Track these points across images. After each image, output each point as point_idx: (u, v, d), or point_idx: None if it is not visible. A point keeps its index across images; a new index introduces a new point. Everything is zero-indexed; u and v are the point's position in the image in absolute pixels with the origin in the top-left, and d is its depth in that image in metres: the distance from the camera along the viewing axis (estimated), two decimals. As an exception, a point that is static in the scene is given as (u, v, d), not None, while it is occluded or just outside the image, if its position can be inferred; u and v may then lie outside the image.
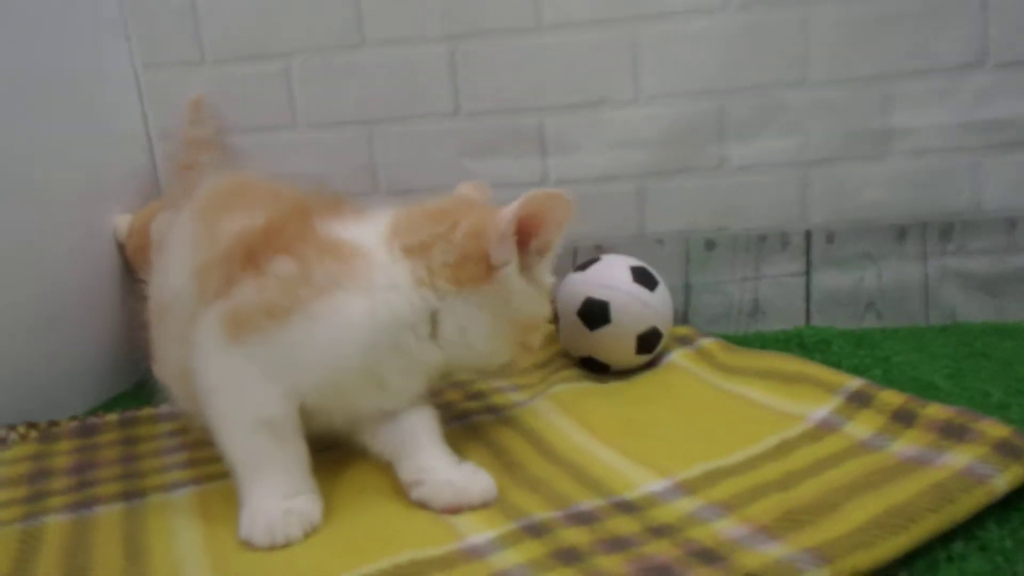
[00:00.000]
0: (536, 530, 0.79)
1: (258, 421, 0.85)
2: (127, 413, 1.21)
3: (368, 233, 0.91)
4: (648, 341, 1.20)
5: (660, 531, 0.79)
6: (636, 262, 1.23)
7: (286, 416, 0.86)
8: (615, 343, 1.19)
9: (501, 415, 1.09)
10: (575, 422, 1.05)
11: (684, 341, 1.27)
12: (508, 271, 0.90)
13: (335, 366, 0.86)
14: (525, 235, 0.91)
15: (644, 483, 0.88)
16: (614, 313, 1.18)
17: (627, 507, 0.84)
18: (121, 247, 1.40)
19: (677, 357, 1.23)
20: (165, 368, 1.04)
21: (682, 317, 1.42)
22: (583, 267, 1.24)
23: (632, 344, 1.19)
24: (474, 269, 0.89)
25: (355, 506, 0.88)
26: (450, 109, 1.42)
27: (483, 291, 0.90)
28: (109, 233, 1.40)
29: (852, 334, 1.31)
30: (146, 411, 1.21)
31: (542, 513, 0.83)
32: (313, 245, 0.88)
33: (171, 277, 0.98)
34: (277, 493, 0.83)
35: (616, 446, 0.98)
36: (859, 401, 1.00)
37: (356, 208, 0.97)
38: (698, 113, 1.38)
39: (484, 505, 0.86)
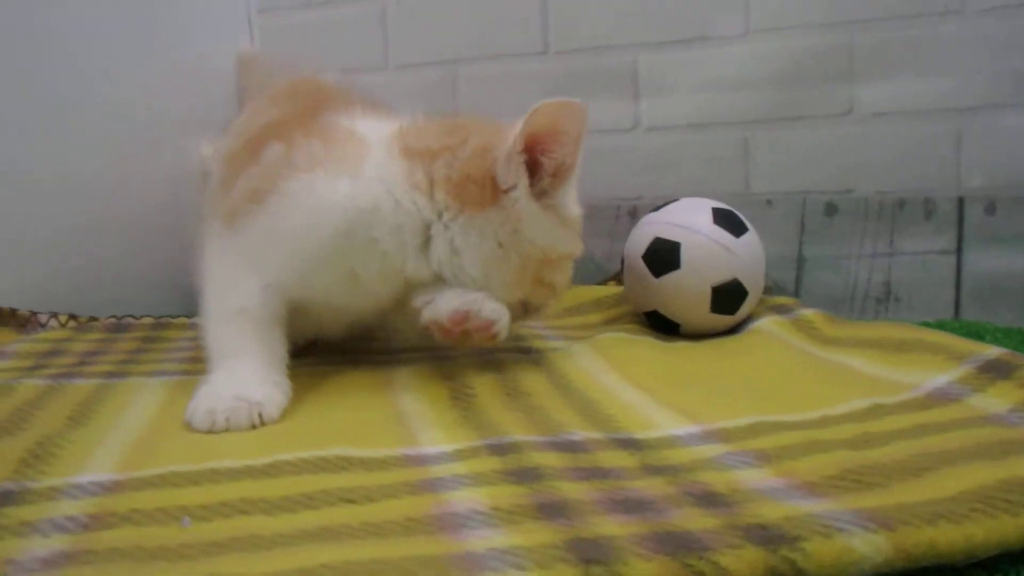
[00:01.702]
0: (501, 449, 0.59)
1: (236, 310, 0.77)
2: (163, 319, 1.15)
3: (374, 128, 0.82)
4: (727, 297, 0.95)
5: (659, 470, 0.56)
6: (722, 204, 1.00)
7: (264, 308, 0.77)
8: (685, 295, 0.95)
9: (531, 356, 0.89)
10: (608, 365, 0.83)
11: (780, 310, 1.00)
12: (516, 195, 0.77)
13: (306, 249, 0.77)
14: (538, 154, 0.78)
15: (666, 426, 0.65)
16: (685, 256, 0.94)
17: (629, 444, 0.61)
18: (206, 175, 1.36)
19: (767, 323, 0.97)
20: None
21: (793, 296, 1.15)
22: (658, 208, 1.02)
23: (706, 298, 0.94)
24: (477, 191, 0.77)
25: (322, 411, 0.73)
26: (539, 47, 1.26)
27: (487, 216, 0.78)
28: (196, 160, 1.35)
29: (1018, 333, 0.98)
30: (181, 319, 1.14)
31: (520, 436, 0.62)
32: (305, 129, 0.81)
33: (211, 164, 0.96)
34: (236, 382, 0.72)
35: (650, 391, 0.75)
36: (996, 371, 0.71)
37: (382, 110, 0.89)
38: (821, 48, 1.12)
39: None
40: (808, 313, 0.98)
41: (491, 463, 0.56)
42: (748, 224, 0.98)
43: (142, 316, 1.14)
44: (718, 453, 0.58)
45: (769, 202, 1.18)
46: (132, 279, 1.23)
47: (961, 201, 1.10)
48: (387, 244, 0.77)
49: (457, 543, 0.44)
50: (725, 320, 0.97)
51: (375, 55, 1.37)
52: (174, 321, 1.13)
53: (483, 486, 0.52)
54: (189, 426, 0.68)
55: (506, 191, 0.77)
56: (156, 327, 1.10)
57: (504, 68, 1.28)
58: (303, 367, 0.87)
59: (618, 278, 1.21)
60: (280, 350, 0.77)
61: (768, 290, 1.13)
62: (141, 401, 0.75)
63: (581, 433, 0.63)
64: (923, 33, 1.08)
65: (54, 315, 1.09)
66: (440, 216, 0.78)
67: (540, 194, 0.78)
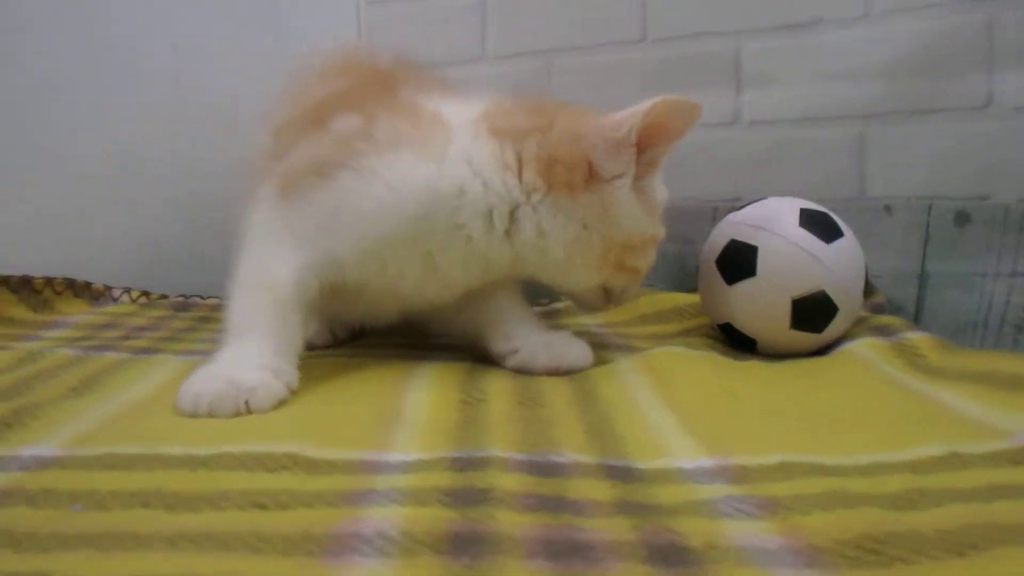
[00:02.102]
0: (466, 464, 0.52)
1: (266, 285, 0.73)
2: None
3: (458, 109, 0.79)
4: (811, 312, 0.81)
5: (633, 508, 0.46)
6: (813, 205, 0.86)
7: (296, 288, 0.73)
8: (761, 306, 0.83)
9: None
10: (651, 381, 0.73)
11: (882, 332, 0.85)
12: (620, 183, 0.75)
13: (379, 230, 0.73)
14: (644, 146, 0.76)
15: (677, 455, 0.55)
16: (762, 262, 0.82)
17: (620, 472, 0.52)
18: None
19: (862, 346, 0.82)
20: None
21: (912, 320, 0.98)
22: (740, 208, 0.90)
23: (786, 312, 0.81)
24: (566, 174, 0.75)
25: (324, 402, 0.68)
26: (637, 35, 1.16)
27: (578, 200, 0.76)
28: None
29: None
30: None
31: (498, 451, 0.54)
32: (387, 105, 0.78)
33: (259, 136, 0.91)
34: (237, 364, 0.68)
35: (684, 414, 0.64)
36: None
37: (451, 91, 0.86)
38: (954, 31, 0.95)
39: (581, 370, 0.78)
40: (915, 337, 0.83)
41: (442, 479, 0.49)
42: (844, 228, 0.84)
43: (209, 297, 1.16)
44: (718, 495, 0.48)
45: (888, 208, 1.01)
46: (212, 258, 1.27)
47: None
48: (473, 229, 0.75)
49: (329, 571, 0.37)
50: (810, 339, 0.83)
51: (473, 46, 1.32)
52: None
53: (411, 506, 0.45)
54: (176, 407, 0.65)
55: (610, 179, 0.75)
56: (218, 308, 1.08)
57: (600, 58, 1.19)
58: (328, 355, 0.84)
59: (706, 284, 1.09)
60: (296, 336, 0.73)
61: (880, 308, 0.97)
62: (152, 377, 0.75)
63: (571, 454, 0.54)
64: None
65: (127, 290, 1.13)
66: (529, 197, 0.76)
67: (633, 180, 0.76)
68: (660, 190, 0.81)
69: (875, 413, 0.65)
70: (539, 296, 1.11)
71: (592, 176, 0.75)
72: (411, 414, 0.64)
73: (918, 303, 1.00)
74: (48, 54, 1.18)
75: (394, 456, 0.54)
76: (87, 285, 1.11)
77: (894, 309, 1.00)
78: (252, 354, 0.69)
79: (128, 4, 1.27)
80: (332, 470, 0.50)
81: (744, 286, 0.83)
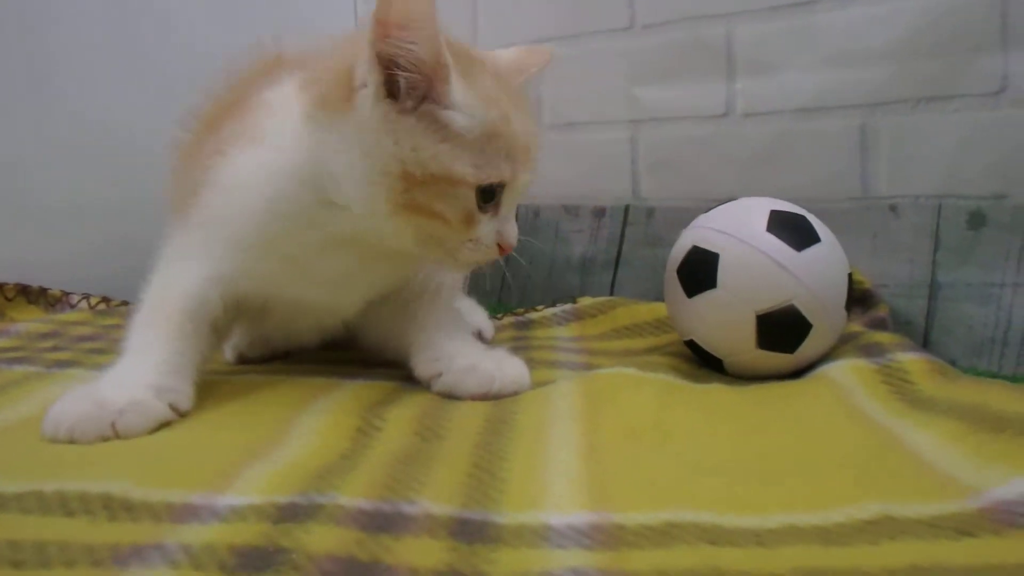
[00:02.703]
0: (292, 513, 0.45)
1: (165, 298, 0.69)
2: None
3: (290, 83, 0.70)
4: (779, 328, 0.71)
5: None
6: (788, 206, 0.75)
7: (194, 300, 0.68)
8: (723, 321, 0.73)
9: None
10: (581, 409, 0.64)
11: (869, 351, 0.73)
12: (363, 94, 0.61)
13: (239, 241, 0.68)
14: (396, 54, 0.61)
15: (554, 506, 0.47)
16: (723, 272, 0.72)
17: (471, 529, 0.44)
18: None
19: (840, 369, 0.71)
20: None
21: (921, 339, 0.86)
22: (712, 209, 0.79)
23: (750, 328, 0.71)
24: (337, 90, 0.63)
25: (207, 426, 0.62)
26: (624, 22, 1.06)
27: (348, 119, 0.62)
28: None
29: None
30: None
31: (345, 497, 0.47)
32: (229, 112, 0.73)
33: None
34: (114, 384, 0.63)
35: (593, 453, 0.55)
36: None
37: None
38: (965, 8, 0.82)
39: (515, 395, 0.69)
40: (906, 360, 0.71)
41: (246, 533, 0.42)
42: (822, 233, 0.73)
43: None
44: (565, 566, 0.39)
45: (893, 208, 0.89)
46: None
47: None
48: (310, 206, 0.65)
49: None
50: (782, 359, 0.72)
51: (464, 34, 1.25)
52: None
53: (184, 568, 0.38)
54: (41, 426, 0.59)
55: (357, 88, 0.62)
56: None
57: (589, 47, 1.10)
58: (248, 371, 0.78)
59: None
60: (194, 352, 0.67)
61: (881, 323, 0.85)
62: (42, 396, 0.70)
63: (426, 503, 0.46)
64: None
65: (86, 296, 1.07)
66: (323, 137, 0.64)
67: (416, 98, 0.61)
68: (481, 111, 0.62)
69: (820, 458, 0.54)
70: (515, 306, 1.04)
71: (351, 89, 0.62)
72: (290, 445, 0.57)
73: (928, 315, 0.87)
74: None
75: (225, 499, 0.47)
76: (43, 291, 1.06)
77: (902, 323, 0.87)
78: (137, 372, 0.64)
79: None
80: (138, 516, 0.44)
81: (705, 299, 0.73)
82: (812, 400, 0.67)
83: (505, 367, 0.71)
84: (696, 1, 1.00)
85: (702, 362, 0.78)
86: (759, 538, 0.42)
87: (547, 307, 1.02)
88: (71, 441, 0.58)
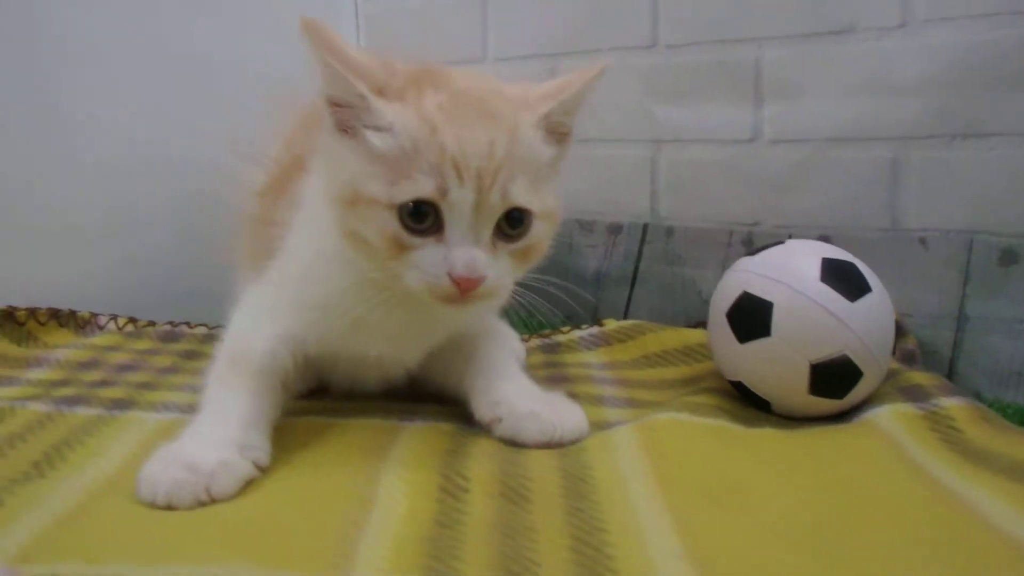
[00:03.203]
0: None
1: (238, 355, 0.70)
2: (216, 328, 1.08)
3: None
4: (833, 378, 0.72)
5: None
6: (838, 253, 0.75)
7: (268, 359, 0.70)
8: (776, 370, 0.73)
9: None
10: (651, 469, 0.64)
11: (912, 394, 0.75)
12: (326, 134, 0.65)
13: (309, 303, 0.70)
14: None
15: None
16: (778, 321, 0.72)
17: None
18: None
19: (886, 416, 0.72)
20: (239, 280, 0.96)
21: (946, 369, 0.88)
22: (756, 251, 0.79)
23: (804, 377, 0.72)
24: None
25: (288, 490, 0.62)
26: (647, 40, 1.05)
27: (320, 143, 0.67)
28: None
29: None
30: None
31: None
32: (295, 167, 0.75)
33: (242, 192, 0.88)
34: (201, 440, 0.64)
35: (684, 519, 0.56)
36: None
37: None
38: (1004, 45, 0.83)
39: (575, 442, 0.70)
40: (951, 406, 0.72)
41: None
42: (872, 282, 0.73)
43: (197, 325, 1.10)
44: None
45: (923, 241, 0.90)
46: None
47: None
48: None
49: None
50: (830, 404, 0.74)
51: (474, 46, 1.22)
52: None
53: None
54: (136, 489, 0.60)
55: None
56: (205, 339, 1.05)
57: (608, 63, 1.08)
58: (306, 414, 0.77)
59: (719, 321, 0.99)
60: (268, 408, 0.68)
61: (911, 356, 0.87)
62: (118, 447, 0.70)
63: None
64: None
65: (113, 317, 1.07)
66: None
67: (353, 128, 0.62)
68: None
69: (890, 525, 0.55)
70: (541, 327, 1.03)
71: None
72: (383, 511, 0.58)
73: (955, 347, 0.89)
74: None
75: None
76: (72, 314, 1.05)
77: (928, 353, 0.89)
78: (218, 430, 0.65)
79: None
80: None
81: (757, 346, 0.73)
82: (869, 455, 0.67)
83: (565, 415, 0.71)
84: (725, 24, 0.98)
85: (747, 401, 0.79)
86: None
87: (572, 329, 1.02)
88: (168, 507, 0.58)
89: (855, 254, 0.77)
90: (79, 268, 1.10)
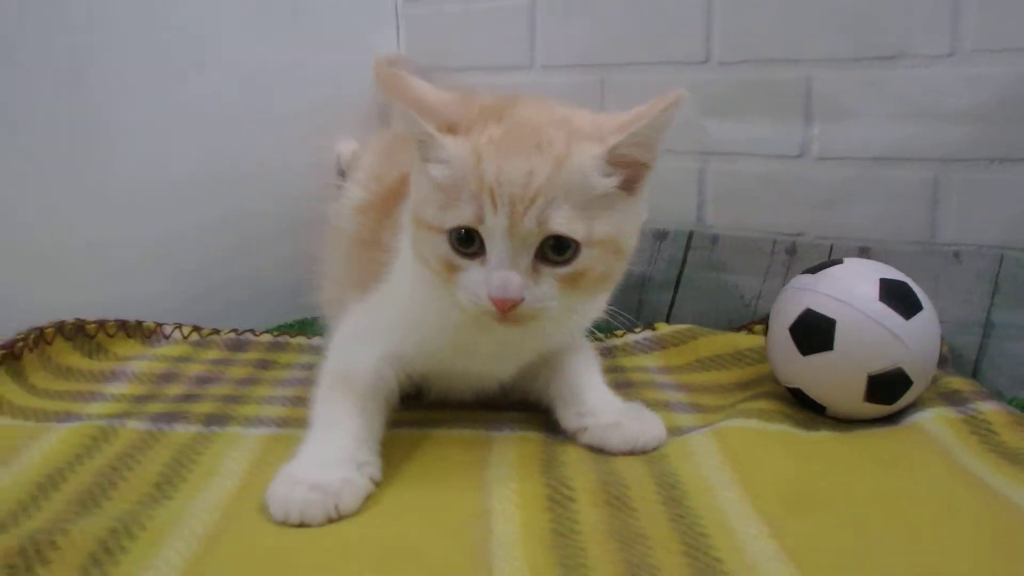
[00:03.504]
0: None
1: (344, 376, 0.75)
2: (281, 337, 1.13)
3: None
4: (887, 387, 0.80)
5: None
6: (893, 273, 0.83)
7: (373, 377, 0.75)
8: (835, 380, 0.81)
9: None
10: (734, 476, 0.71)
11: (952, 399, 0.84)
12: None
13: (413, 324, 0.75)
14: None
15: None
16: (840, 337, 0.80)
17: None
18: (343, 173, 1.32)
19: (931, 420, 0.81)
20: (324, 294, 1.00)
21: (971, 369, 0.97)
22: (816, 269, 0.87)
23: (861, 386, 0.80)
24: None
25: (406, 504, 0.68)
26: (700, 56, 1.11)
27: None
28: (332, 158, 1.31)
29: None
30: (298, 339, 1.13)
31: None
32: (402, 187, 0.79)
33: (342, 205, 0.93)
34: (321, 460, 0.69)
35: (773, 525, 0.63)
36: None
37: None
38: (1048, 80, 0.90)
39: (655, 449, 0.77)
40: (987, 410, 0.81)
41: None
42: (923, 300, 0.81)
43: (261, 333, 1.13)
44: None
45: (957, 255, 0.99)
46: (250, 285, 1.24)
47: None
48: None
49: None
50: (880, 409, 0.82)
51: (520, 53, 1.27)
52: (292, 341, 1.12)
53: None
54: (266, 509, 0.65)
55: None
56: (273, 347, 1.09)
57: (658, 77, 1.14)
58: (396, 426, 0.82)
59: (765, 324, 1.07)
60: (377, 426, 0.74)
61: (943, 360, 0.95)
62: (229, 465, 0.74)
63: None
64: None
65: (178, 326, 1.10)
66: None
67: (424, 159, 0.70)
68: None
69: (962, 537, 0.63)
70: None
71: None
72: (501, 523, 0.64)
73: (980, 351, 0.98)
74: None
75: None
76: (139, 324, 1.08)
77: (956, 356, 0.98)
78: (334, 448, 0.69)
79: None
80: None
81: (819, 358, 0.81)
82: (921, 458, 0.75)
83: (646, 424, 0.78)
84: (777, 46, 1.05)
85: (802, 406, 0.87)
86: None
87: (626, 332, 1.09)
88: (301, 524, 0.63)
89: (893, 266, 0.85)
90: (140, 282, 1.14)
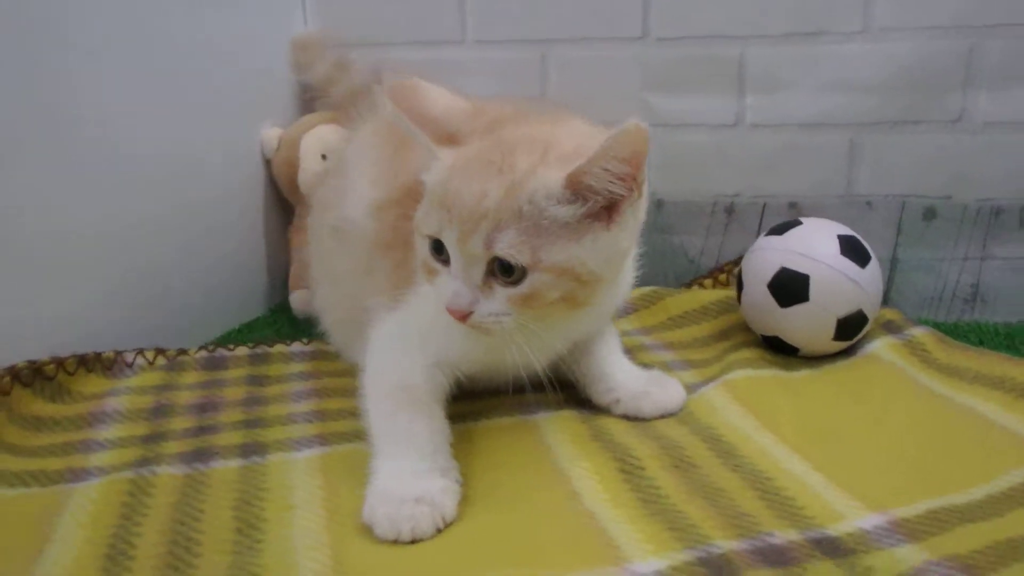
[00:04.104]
0: (715, 566, 0.61)
1: (399, 387, 0.76)
2: (258, 348, 1.08)
3: None
4: (850, 326, 0.96)
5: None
6: (844, 229, 0.99)
7: (428, 384, 0.77)
8: (810, 325, 0.96)
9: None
10: (758, 421, 0.84)
11: (890, 328, 1.02)
12: None
13: (454, 331, 0.74)
14: None
15: (852, 516, 0.67)
16: (814, 290, 0.95)
17: (831, 547, 0.63)
18: (267, 162, 1.29)
19: (881, 348, 0.99)
20: (323, 299, 0.98)
21: (883, 297, 1.17)
22: (780, 230, 1.01)
23: (831, 328, 0.96)
24: None
25: (496, 499, 0.72)
26: (637, 32, 1.20)
27: None
28: (256, 147, 1.27)
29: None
30: (278, 348, 1.08)
31: (724, 542, 0.64)
32: None
33: (347, 205, 0.89)
34: (408, 473, 0.70)
35: (810, 458, 0.76)
36: None
37: None
38: (941, 53, 1.09)
39: (679, 410, 0.87)
40: (919, 334, 1.00)
41: None
42: (870, 251, 0.98)
43: (236, 346, 1.08)
44: (922, 562, 0.60)
45: (869, 204, 1.17)
46: (188, 290, 1.14)
47: (1062, 211, 1.11)
48: None
49: None
50: (843, 345, 0.98)
51: (450, 28, 1.27)
52: (271, 351, 1.07)
53: None
54: (371, 531, 0.66)
55: None
56: (255, 360, 1.05)
57: (600, 52, 1.22)
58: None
59: (714, 278, 1.21)
60: (446, 430, 0.76)
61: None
62: (301, 495, 0.73)
63: (780, 535, 0.65)
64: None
65: (140, 352, 1.00)
66: None
67: None
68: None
69: (942, 436, 0.79)
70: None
71: None
72: (592, 500, 0.70)
73: (888, 283, 1.18)
74: None
75: (641, 567, 0.61)
76: (97, 356, 0.97)
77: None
78: (416, 459, 0.71)
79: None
80: None
81: (797, 309, 0.95)
82: (882, 381, 0.92)
83: (670, 389, 0.88)
84: (713, 23, 1.16)
85: (776, 350, 1.01)
86: (991, 507, 0.66)
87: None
88: (413, 540, 0.65)
89: (818, 216, 1.01)
90: (79, 296, 0.99)
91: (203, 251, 1.16)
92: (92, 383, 0.95)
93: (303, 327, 1.19)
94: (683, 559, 0.62)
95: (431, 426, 0.74)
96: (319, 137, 1.22)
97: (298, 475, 0.77)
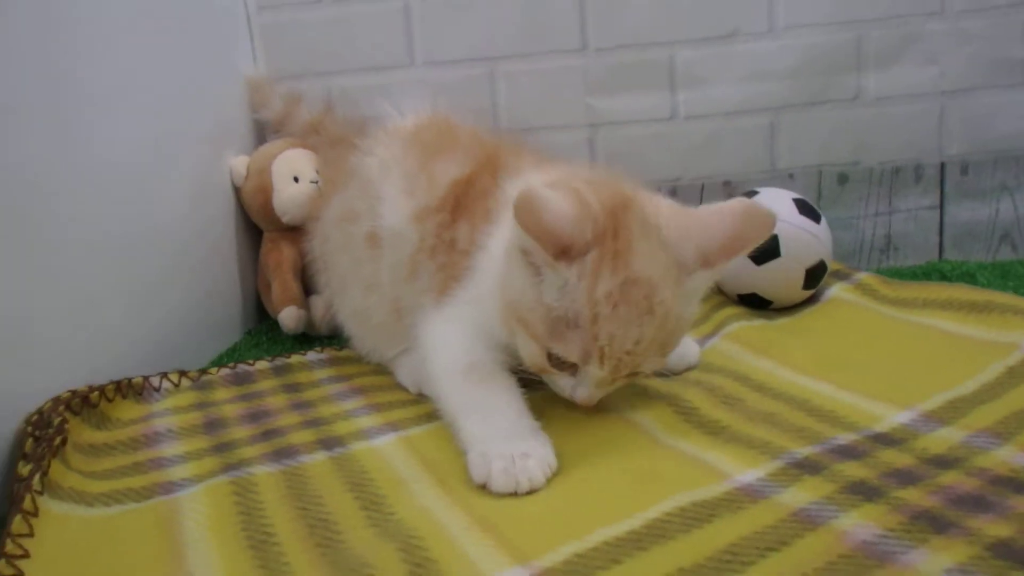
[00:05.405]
0: (808, 466, 0.70)
1: (467, 366, 0.80)
2: (276, 360, 1.09)
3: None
4: (815, 275, 1.10)
5: (942, 462, 0.69)
6: (795, 194, 1.14)
7: (494, 362, 0.81)
8: (783, 278, 1.10)
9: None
10: (772, 361, 0.95)
11: (839, 276, 1.18)
12: None
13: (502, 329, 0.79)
14: None
15: (889, 415, 0.78)
16: (784, 246, 1.08)
17: (887, 440, 0.74)
18: (236, 190, 1.28)
19: (839, 291, 1.14)
20: (352, 305, 1.00)
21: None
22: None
23: (800, 278, 1.09)
24: None
25: (580, 451, 0.77)
26: (577, 45, 1.31)
27: None
28: (225, 176, 1.27)
29: (996, 266, 1.22)
30: (295, 358, 1.10)
31: (800, 449, 0.73)
32: (484, 205, 0.85)
33: (384, 215, 0.92)
34: (503, 435, 0.74)
35: (830, 380, 0.88)
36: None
37: (536, 157, 0.92)
38: (835, 43, 1.28)
39: (699, 362, 0.95)
40: (863, 277, 1.16)
41: (821, 485, 0.65)
42: (818, 209, 1.13)
43: (256, 361, 1.08)
44: (962, 437, 0.72)
45: (791, 176, 1.34)
46: (165, 323, 1.10)
47: (943, 166, 1.32)
48: None
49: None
50: (809, 293, 1.12)
51: (398, 52, 1.34)
52: (290, 361, 1.09)
53: (851, 509, 0.62)
54: (488, 488, 0.70)
55: None
56: (280, 371, 1.06)
57: (543, 65, 1.31)
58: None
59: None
60: (519, 399, 0.79)
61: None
62: (404, 471, 0.76)
63: (843, 437, 0.75)
64: (914, 30, 1.26)
65: (164, 375, 1.00)
66: None
67: None
68: None
69: (923, 349, 0.93)
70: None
71: None
72: (664, 436, 0.78)
73: (815, 243, 1.35)
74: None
75: (744, 477, 0.68)
76: (128, 381, 0.95)
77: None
78: (509, 420, 0.76)
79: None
80: (740, 503, 0.64)
81: (771, 265, 1.08)
82: (852, 314, 1.07)
83: (689, 346, 0.96)
84: (643, 32, 1.29)
85: (752, 306, 1.14)
86: (990, 391, 0.79)
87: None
88: (531, 489, 0.70)
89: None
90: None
91: (179, 282, 1.14)
92: (126, 409, 0.94)
93: (287, 343, 1.21)
94: (776, 466, 0.70)
95: (509, 393, 0.79)
96: (287, 160, 1.24)
97: (389, 457, 0.79)
